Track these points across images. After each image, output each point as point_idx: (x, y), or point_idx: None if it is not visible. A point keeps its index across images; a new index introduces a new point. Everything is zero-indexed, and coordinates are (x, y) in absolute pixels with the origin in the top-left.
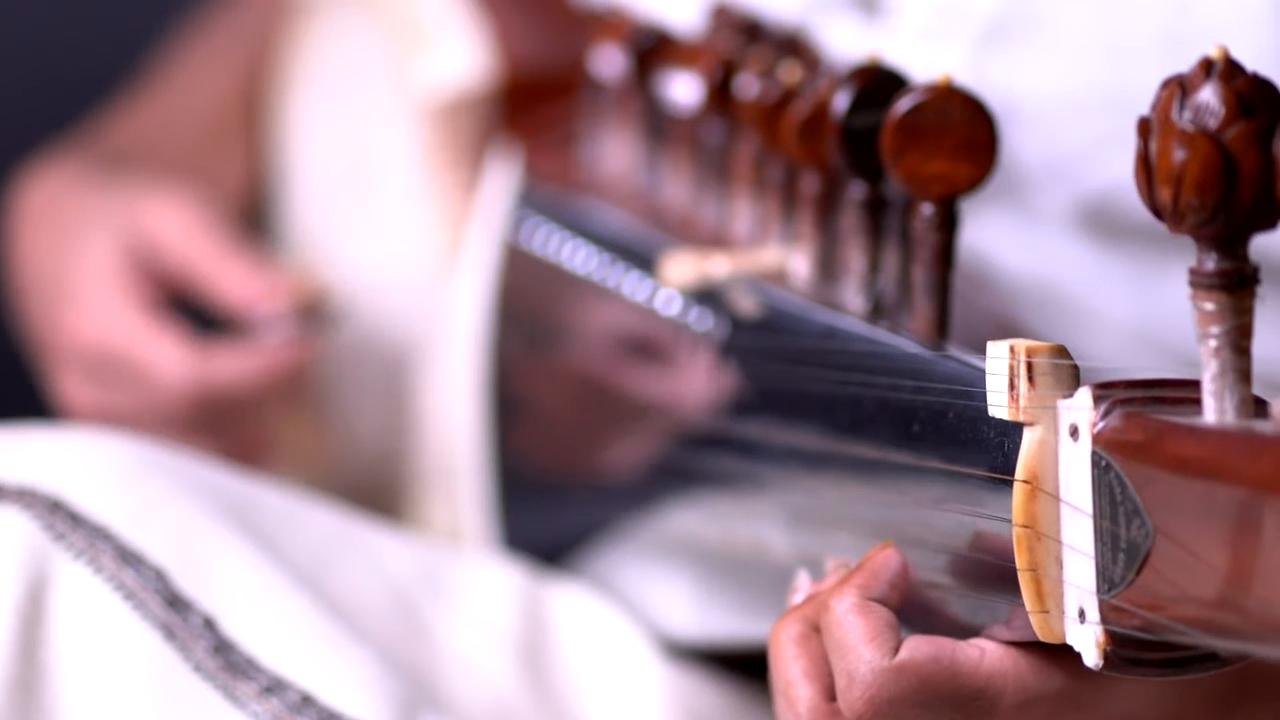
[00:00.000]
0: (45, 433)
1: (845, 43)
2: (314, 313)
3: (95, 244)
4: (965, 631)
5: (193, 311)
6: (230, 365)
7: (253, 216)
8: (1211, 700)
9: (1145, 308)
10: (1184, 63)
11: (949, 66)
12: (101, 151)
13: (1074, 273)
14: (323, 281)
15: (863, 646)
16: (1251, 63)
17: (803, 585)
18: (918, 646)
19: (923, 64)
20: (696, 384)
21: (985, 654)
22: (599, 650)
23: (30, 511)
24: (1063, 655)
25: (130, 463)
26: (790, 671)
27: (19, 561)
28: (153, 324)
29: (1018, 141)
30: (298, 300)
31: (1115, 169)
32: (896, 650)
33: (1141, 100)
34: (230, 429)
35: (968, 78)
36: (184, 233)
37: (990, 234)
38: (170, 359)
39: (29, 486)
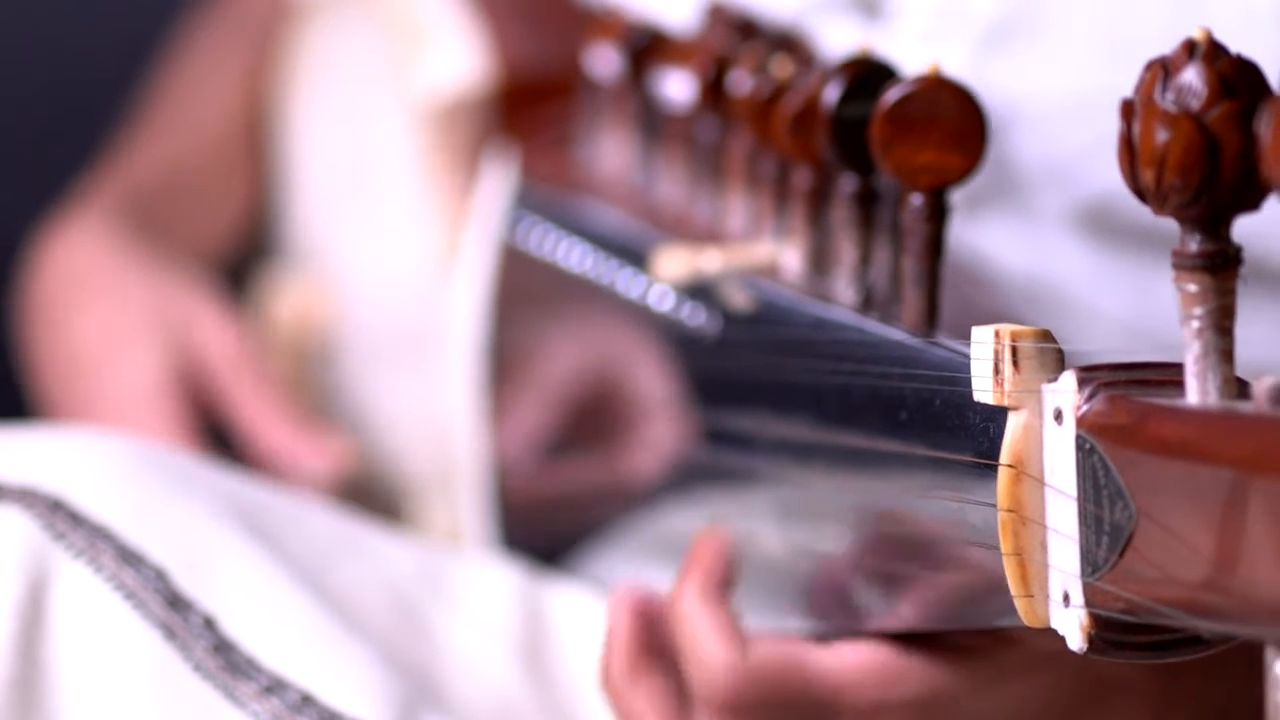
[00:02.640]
0: (46, 433)
1: (844, 45)
2: (347, 481)
3: (143, 353)
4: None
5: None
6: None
7: (258, 227)
8: (1058, 707)
9: (1143, 310)
10: None
11: (949, 68)
12: (122, 193)
13: (1073, 275)
14: (361, 449)
15: (712, 651)
16: None
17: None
18: (770, 647)
19: (922, 66)
20: (689, 384)
21: (838, 660)
22: (599, 649)
23: (31, 511)
24: (925, 660)
25: (131, 462)
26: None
27: (19, 561)
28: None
29: (1018, 143)
30: (335, 469)
31: (1115, 171)
32: (747, 649)
33: None
34: None
35: (968, 79)
36: (234, 365)
37: (989, 235)
38: None
39: (29, 486)
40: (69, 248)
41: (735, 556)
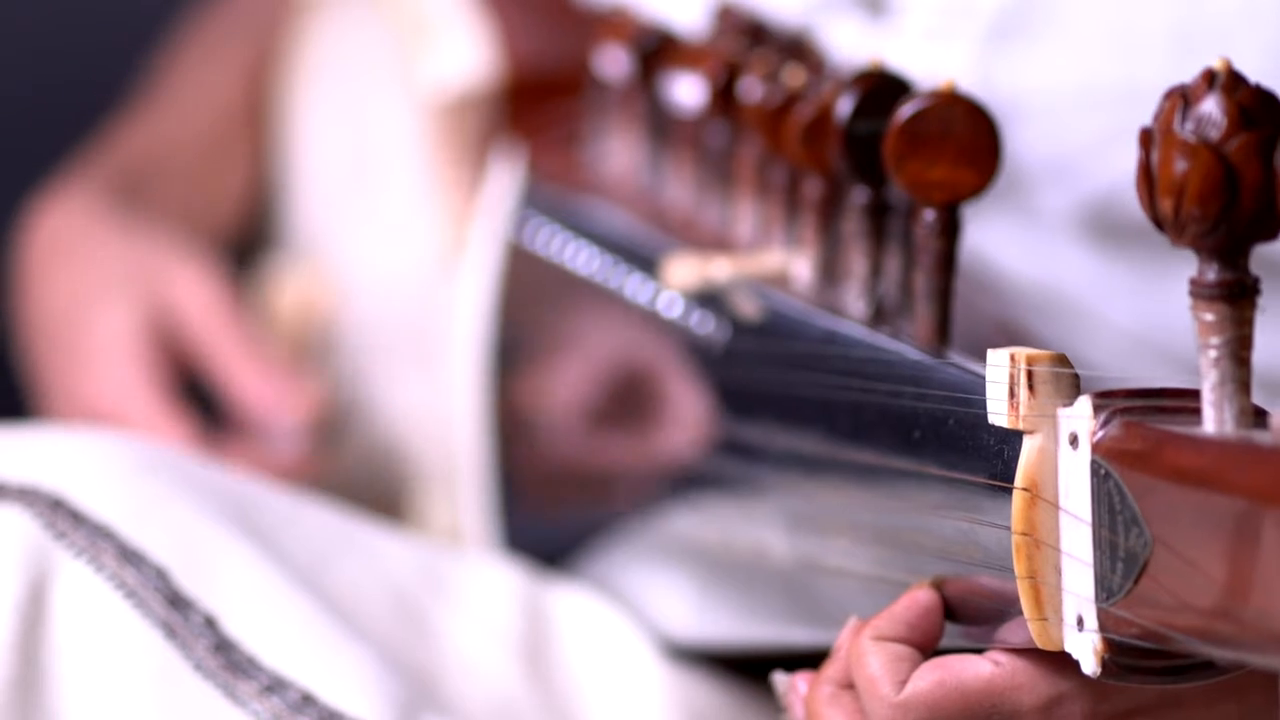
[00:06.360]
0: (47, 432)
1: (850, 42)
2: (326, 426)
3: (117, 308)
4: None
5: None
6: (236, 468)
7: (258, 218)
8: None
9: (1147, 312)
10: (1193, 58)
11: (954, 65)
12: (113, 170)
13: (1076, 276)
14: (338, 397)
15: (871, 685)
16: (1261, 59)
17: (783, 684)
18: (922, 674)
19: (928, 63)
20: (695, 391)
21: (996, 667)
22: (600, 651)
23: (32, 510)
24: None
25: (132, 462)
26: None
27: (20, 560)
28: (165, 410)
29: (1023, 140)
30: (313, 414)
31: (1120, 166)
32: (904, 684)
33: (1149, 96)
34: None
35: (973, 76)
36: (209, 317)
37: (992, 236)
38: None
39: (30, 485)
40: (54, 217)
41: (930, 618)
